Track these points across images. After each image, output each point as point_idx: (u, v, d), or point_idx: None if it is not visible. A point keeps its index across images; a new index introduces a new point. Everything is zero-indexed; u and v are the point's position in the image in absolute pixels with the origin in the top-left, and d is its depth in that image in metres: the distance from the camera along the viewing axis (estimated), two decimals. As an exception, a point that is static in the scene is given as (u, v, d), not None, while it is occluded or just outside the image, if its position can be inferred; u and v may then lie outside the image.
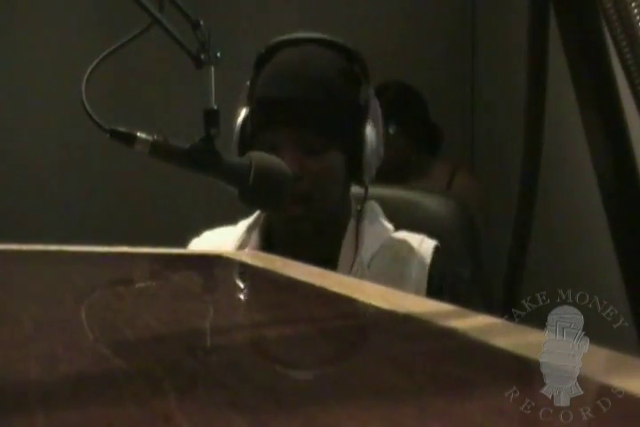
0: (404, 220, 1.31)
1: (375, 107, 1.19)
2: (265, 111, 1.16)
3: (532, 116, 0.65)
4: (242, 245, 1.23)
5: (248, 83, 1.21)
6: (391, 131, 2.37)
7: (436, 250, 1.20)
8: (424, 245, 1.21)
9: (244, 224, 1.27)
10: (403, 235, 1.23)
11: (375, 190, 1.29)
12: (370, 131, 1.16)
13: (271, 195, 0.90)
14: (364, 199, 1.22)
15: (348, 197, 1.25)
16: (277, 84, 1.17)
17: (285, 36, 1.21)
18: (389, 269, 1.19)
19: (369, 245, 1.19)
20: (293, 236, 1.22)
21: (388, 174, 2.40)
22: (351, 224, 1.22)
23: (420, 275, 1.18)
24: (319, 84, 1.15)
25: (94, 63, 0.81)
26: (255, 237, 1.23)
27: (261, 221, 1.25)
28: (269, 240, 1.24)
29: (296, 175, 1.11)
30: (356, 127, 1.16)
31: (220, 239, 1.26)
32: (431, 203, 1.42)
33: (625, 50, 0.49)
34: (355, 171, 1.18)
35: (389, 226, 1.25)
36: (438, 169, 2.61)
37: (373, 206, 1.26)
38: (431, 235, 1.25)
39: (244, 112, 1.19)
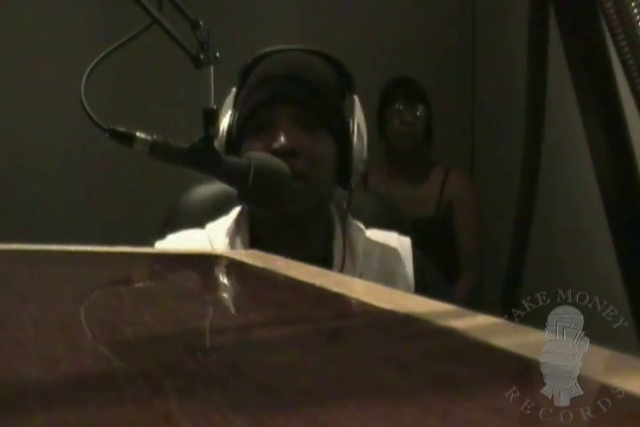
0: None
1: (360, 116, 1.21)
2: (267, 87, 1.20)
3: (533, 116, 0.65)
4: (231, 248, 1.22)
5: (234, 89, 1.24)
6: (419, 113, 2.67)
7: (413, 246, 1.25)
8: (402, 242, 1.25)
9: (216, 227, 1.25)
10: (378, 233, 1.27)
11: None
12: (356, 134, 1.18)
13: (271, 194, 0.90)
14: (349, 199, 1.22)
15: (334, 196, 1.25)
16: (277, 66, 1.21)
17: (270, 48, 1.25)
18: (379, 269, 1.21)
19: (356, 245, 1.22)
20: (283, 231, 1.21)
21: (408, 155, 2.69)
22: (337, 224, 1.23)
23: (407, 272, 1.22)
24: (315, 73, 1.21)
25: (94, 63, 0.81)
26: (239, 241, 1.22)
27: (245, 224, 1.24)
28: (255, 243, 1.23)
29: (293, 151, 1.14)
30: (343, 123, 1.19)
31: (189, 243, 1.24)
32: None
33: (625, 50, 0.49)
34: (343, 164, 1.19)
35: (361, 225, 1.27)
36: (435, 170, 2.74)
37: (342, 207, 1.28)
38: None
39: (229, 116, 1.21)
